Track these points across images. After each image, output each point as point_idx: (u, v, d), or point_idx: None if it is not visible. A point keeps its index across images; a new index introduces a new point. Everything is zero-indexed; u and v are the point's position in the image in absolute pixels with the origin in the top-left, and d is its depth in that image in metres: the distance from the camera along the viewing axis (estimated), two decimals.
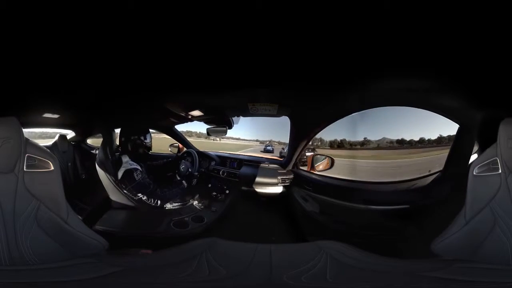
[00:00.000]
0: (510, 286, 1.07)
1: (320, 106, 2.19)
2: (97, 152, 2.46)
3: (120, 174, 2.21)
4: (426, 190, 2.11)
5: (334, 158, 2.34)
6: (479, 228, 1.33)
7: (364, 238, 1.85)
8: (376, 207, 2.09)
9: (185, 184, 2.39)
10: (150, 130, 2.46)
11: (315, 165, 2.36)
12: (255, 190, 2.42)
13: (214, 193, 2.45)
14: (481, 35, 1.28)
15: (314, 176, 2.37)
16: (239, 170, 2.54)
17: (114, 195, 2.27)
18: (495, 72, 1.52)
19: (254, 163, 2.65)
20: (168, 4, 1.16)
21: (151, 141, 2.41)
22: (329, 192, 2.25)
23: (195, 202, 2.36)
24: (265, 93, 2.23)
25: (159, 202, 2.21)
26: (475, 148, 1.92)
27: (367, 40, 1.37)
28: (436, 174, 2.15)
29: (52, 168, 1.36)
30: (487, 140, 1.39)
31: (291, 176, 2.42)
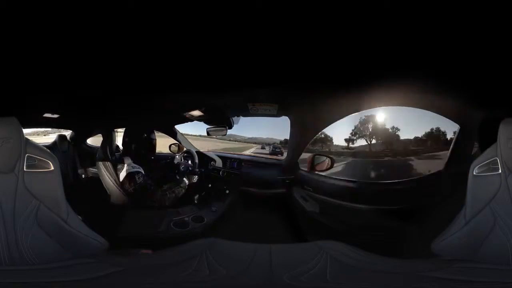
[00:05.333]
0: (510, 286, 1.07)
1: (320, 106, 2.19)
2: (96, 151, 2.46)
3: (122, 176, 2.21)
4: (426, 190, 2.11)
5: (334, 158, 2.34)
6: (479, 228, 1.33)
7: (364, 238, 1.85)
8: (376, 207, 2.09)
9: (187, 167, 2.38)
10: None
11: (315, 165, 2.36)
12: (255, 190, 2.42)
13: (214, 193, 2.46)
14: (481, 35, 1.28)
15: (314, 176, 2.37)
16: (239, 170, 2.54)
17: (115, 195, 2.27)
18: (495, 72, 1.52)
19: (254, 163, 2.65)
20: (168, 4, 1.16)
21: (155, 141, 2.41)
22: (329, 192, 2.25)
23: (196, 197, 2.37)
24: (265, 93, 2.23)
25: (160, 202, 2.22)
26: (475, 148, 1.92)
27: (367, 40, 1.37)
28: (436, 174, 2.15)
29: (52, 168, 1.36)
30: (487, 140, 1.39)
31: (291, 176, 2.42)
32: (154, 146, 2.41)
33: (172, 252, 1.41)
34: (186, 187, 2.34)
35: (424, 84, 1.76)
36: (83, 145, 3.04)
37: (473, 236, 1.33)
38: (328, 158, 2.32)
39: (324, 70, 1.70)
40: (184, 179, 2.35)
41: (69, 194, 1.40)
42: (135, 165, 2.24)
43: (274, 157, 2.88)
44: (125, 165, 2.24)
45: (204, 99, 2.36)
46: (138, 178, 2.21)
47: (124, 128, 2.43)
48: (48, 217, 1.33)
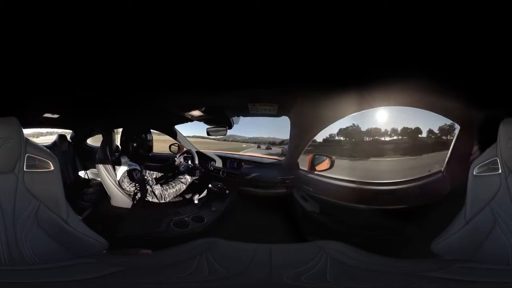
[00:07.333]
0: (510, 286, 1.07)
1: (320, 106, 2.19)
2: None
3: (119, 174, 2.22)
4: (426, 190, 2.11)
5: (333, 158, 2.34)
6: (479, 228, 1.33)
7: (364, 238, 1.85)
8: (376, 207, 2.09)
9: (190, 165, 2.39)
10: (151, 131, 2.47)
11: (315, 165, 2.36)
12: (255, 190, 2.42)
13: (214, 193, 2.46)
14: (481, 35, 1.28)
15: (314, 176, 2.37)
16: (239, 170, 2.54)
17: (114, 195, 2.27)
18: (495, 72, 1.52)
19: (254, 163, 2.65)
20: (168, 4, 1.16)
21: (152, 141, 2.42)
22: (329, 192, 2.25)
23: (196, 197, 2.36)
24: (265, 93, 2.23)
25: (160, 197, 2.22)
26: (475, 148, 1.92)
27: (367, 40, 1.37)
28: (436, 174, 2.15)
29: (52, 168, 1.36)
30: (487, 140, 1.39)
31: (291, 176, 2.42)
32: (151, 146, 2.41)
33: (172, 252, 1.41)
34: (188, 183, 2.33)
35: (424, 84, 1.76)
36: (83, 145, 3.04)
37: (473, 236, 1.33)
38: (328, 158, 2.32)
39: (324, 70, 1.70)
40: (186, 175, 2.35)
41: (69, 194, 1.41)
42: (132, 163, 2.25)
43: (274, 157, 2.86)
44: (122, 163, 2.24)
45: (204, 99, 2.36)
46: (136, 174, 2.22)
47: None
48: (48, 217, 1.33)
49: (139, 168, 2.26)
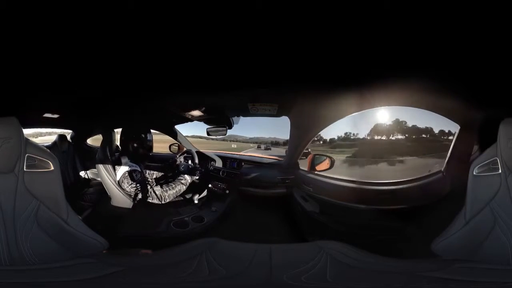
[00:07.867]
0: (510, 286, 1.07)
1: (320, 106, 2.19)
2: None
3: (119, 175, 2.22)
4: (426, 190, 2.11)
5: (333, 158, 2.34)
6: (479, 228, 1.33)
7: (364, 238, 1.85)
8: (376, 207, 2.09)
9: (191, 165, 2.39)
10: (151, 131, 2.47)
11: (315, 165, 2.36)
12: (255, 190, 2.42)
13: (214, 193, 2.46)
14: (481, 35, 1.28)
15: (314, 176, 2.37)
16: (239, 170, 2.54)
17: (114, 196, 2.27)
18: (495, 72, 1.52)
19: (254, 163, 2.65)
20: (168, 4, 1.16)
21: (152, 141, 2.41)
22: (329, 192, 2.25)
23: (196, 197, 2.36)
24: (265, 93, 2.23)
25: (160, 198, 2.22)
26: (475, 148, 1.92)
27: (367, 40, 1.37)
28: (436, 174, 2.15)
29: (52, 168, 1.36)
30: (487, 140, 1.39)
31: (291, 176, 2.42)
32: (151, 146, 2.41)
33: (172, 252, 1.42)
34: (188, 184, 2.34)
35: (424, 84, 1.76)
36: (83, 145, 3.04)
37: (473, 236, 1.33)
38: (328, 158, 2.32)
39: (324, 70, 1.70)
40: (186, 176, 2.35)
41: (69, 194, 1.41)
42: (132, 164, 2.25)
43: (274, 157, 2.86)
44: (122, 164, 2.24)
45: (204, 99, 2.36)
46: (136, 175, 2.22)
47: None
48: (48, 217, 1.33)
49: (139, 169, 2.26)
